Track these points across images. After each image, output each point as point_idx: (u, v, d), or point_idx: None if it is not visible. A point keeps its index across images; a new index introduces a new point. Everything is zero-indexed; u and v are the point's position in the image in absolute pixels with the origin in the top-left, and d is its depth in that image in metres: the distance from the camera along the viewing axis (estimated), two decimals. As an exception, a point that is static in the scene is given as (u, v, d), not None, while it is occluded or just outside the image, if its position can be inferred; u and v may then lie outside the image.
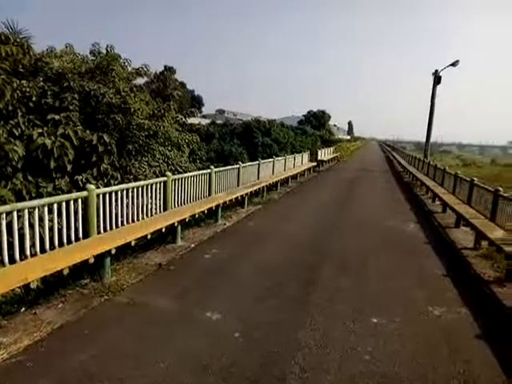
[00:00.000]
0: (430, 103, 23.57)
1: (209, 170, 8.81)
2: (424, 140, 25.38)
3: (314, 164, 22.42)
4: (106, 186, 6.82)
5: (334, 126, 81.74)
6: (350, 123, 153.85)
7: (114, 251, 5.04)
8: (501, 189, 7.68)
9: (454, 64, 21.80)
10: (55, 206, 4.58)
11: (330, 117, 56.81)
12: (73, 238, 4.83)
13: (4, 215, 3.92)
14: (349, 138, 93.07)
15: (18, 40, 7.42)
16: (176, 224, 6.72)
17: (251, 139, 21.20)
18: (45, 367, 3.23)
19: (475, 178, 9.73)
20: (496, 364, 3.57)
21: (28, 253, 4.20)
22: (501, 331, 4.28)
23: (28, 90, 6.91)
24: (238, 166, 10.68)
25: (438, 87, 23.09)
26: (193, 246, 6.93)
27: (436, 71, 22.90)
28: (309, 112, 55.53)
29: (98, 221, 5.27)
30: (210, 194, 8.79)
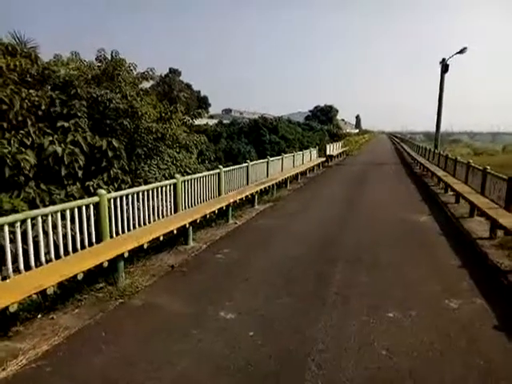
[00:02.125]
0: (438, 92, 23.26)
1: (218, 170, 8.83)
2: (434, 130, 25.06)
3: (323, 159, 22.32)
4: (116, 190, 6.89)
5: (342, 120, 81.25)
6: (357, 117, 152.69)
7: (126, 254, 5.09)
8: (514, 176, 7.54)
9: (461, 51, 21.47)
10: (68, 212, 4.64)
11: (337, 111, 56.54)
12: (86, 243, 4.89)
13: (18, 224, 3.99)
14: (357, 131, 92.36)
15: (25, 50, 7.53)
16: (187, 225, 6.75)
17: (259, 137, 21.20)
18: (64, 372, 3.28)
19: (488, 167, 9.57)
20: (516, 355, 3.51)
21: (43, 259, 4.26)
22: (520, 321, 4.20)
23: (37, 98, 7.00)
24: (246, 164, 10.68)
25: (447, 76, 22.80)
26: (204, 246, 6.96)
27: (443, 59, 22.57)
28: (316, 107, 55.33)
29: (111, 225, 5.32)
30: (219, 194, 8.81)
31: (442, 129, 25.53)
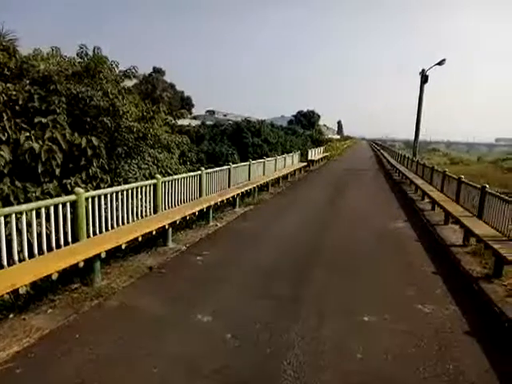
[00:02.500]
0: (417, 102, 23.85)
1: (199, 172, 8.79)
2: (413, 138, 25.66)
3: (305, 164, 22.52)
4: (95, 189, 6.76)
5: (324, 125, 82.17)
6: (339, 123, 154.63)
7: (104, 255, 5.01)
8: (487, 186, 7.80)
9: (440, 63, 22.09)
10: (43, 210, 4.53)
11: (319, 117, 57.17)
12: (62, 242, 4.78)
13: (-9, 221, 3.87)
14: (338, 137, 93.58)
15: (3, 43, 7.33)
16: (167, 226, 6.69)
17: (242, 140, 21.21)
18: (34, 374, 3.20)
19: (463, 176, 9.87)
20: (485, 360, 3.62)
21: (16, 258, 4.14)
22: (489, 327, 4.34)
23: (14, 93, 6.82)
24: (228, 166, 10.67)
25: (426, 86, 23.41)
26: (184, 248, 6.91)
27: (423, 70, 23.18)
28: (299, 112, 55.81)
29: (88, 224, 5.22)
30: (200, 196, 8.77)
31: (421, 138, 26.17)
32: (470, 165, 36.80)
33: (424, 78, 23.13)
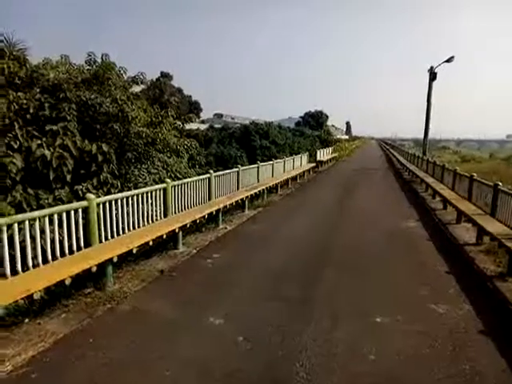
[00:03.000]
0: (426, 100, 23.64)
1: (208, 175, 8.83)
2: (422, 137, 25.43)
3: (313, 165, 22.45)
4: (106, 194, 6.83)
5: (332, 126, 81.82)
6: (347, 123, 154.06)
7: (115, 259, 5.05)
8: (500, 183, 7.68)
9: (448, 60, 21.88)
10: (56, 216, 4.59)
11: (327, 117, 56.89)
12: (74, 247, 4.84)
13: (5, 228, 3.94)
14: (347, 137, 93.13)
15: (13, 53, 7.45)
16: (177, 230, 6.73)
17: (250, 142, 21.23)
18: (50, 378, 3.24)
19: (475, 174, 9.74)
20: (501, 359, 3.57)
21: (30, 264, 4.21)
22: (505, 326, 4.27)
23: (25, 101, 6.92)
24: (237, 169, 10.70)
25: (435, 83, 23.19)
26: (194, 251, 6.94)
27: (432, 68, 22.97)
28: (306, 113, 55.63)
29: (100, 229, 5.28)
30: (210, 199, 8.80)
31: (430, 136, 25.93)
32: (482, 162, 36.29)
33: (432, 76, 22.92)
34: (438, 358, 3.57)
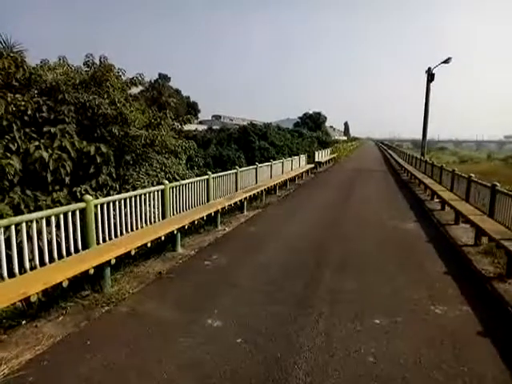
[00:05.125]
0: (424, 101, 23.69)
1: (206, 176, 8.82)
2: (421, 138, 25.48)
3: (312, 166, 22.46)
4: (105, 196, 6.81)
5: (331, 127, 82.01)
6: (346, 124, 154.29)
7: (113, 261, 5.03)
8: (498, 184, 7.70)
9: (446, 61, 21.93)
10: (53, 218, 4.57)
11: (325, 118, 57.04)
12: (72, 249, 4.82)
13: (2, 230, 3.92)
14: (345, 138, 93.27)
15: (11, 55, 7.43)
16: (175, 231, 6.72)
17: (248, 143, 21.27)
18: (47, 381, 3.22)
19: (472, 174, 9.76)
20: (500, 361, 3.56)
21: (27, 266, 4.19)
22: (503, 327, 4.27)
23: (23, 103, 6.90)
24: (235, 170, 10.69)
25: (433, 85, 23.25)
26: (193, 253, 6.92)
27: (429, 69, 23.02)
28: (304, 114, 55.73)
29: (97, 231, 5.27)
30: (208, 200, 8.80)
31: (429, 137, 25.96)
32: (480, 163, 36.40)
33: (430, 77, 22.97)
34: (436, 360, 3.56)
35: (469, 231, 8.33)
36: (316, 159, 24.13)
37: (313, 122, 53.58)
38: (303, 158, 21.61)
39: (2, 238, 3.91)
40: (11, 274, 4.00)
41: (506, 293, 5.13)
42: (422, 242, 7.82)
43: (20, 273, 4.09)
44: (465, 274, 5.96)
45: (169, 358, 3.56)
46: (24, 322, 4.26)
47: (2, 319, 4.21)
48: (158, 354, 3.64)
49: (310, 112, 55.63)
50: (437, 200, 12.43)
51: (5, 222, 4.02)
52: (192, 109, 50.13)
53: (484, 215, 7.90)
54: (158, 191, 6.81)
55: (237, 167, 11.06)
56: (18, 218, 4.23)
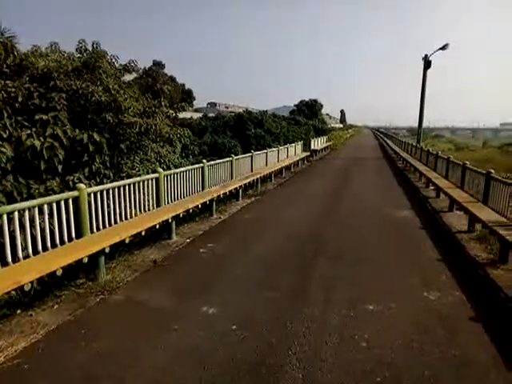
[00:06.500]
0: (421, 88, 23.57)
1: (201, 165, 8.77)
2: (417, 125, 25.43)
3: (308, 154, 22.40)
4: (98, 185, 6.76)
5: (327, 115, 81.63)
6: (342, 112, 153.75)
7: (108, 250, 5.02)
8: (492, 171, 7.71)
9: (443, 48, 21.77)
10: (46, 206, 4.53)
11: (322, 106, 56.64)
12: (66, 238, 4.80)
13: (-6, 219, 3.89)
14: (342, 126, 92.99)
15: (1, 40, 7.27)
16: (170, 220, 6.70)
17: (244, 131, 21.11)
18: (43, 369, 3.23)
19: (467, 162, 9.78)
20: (492, 345, 3.61)
21: (20, 255, 4.17)
22: (495, 313, 4.32)
23: (13, 90, 6.77)
24: (230, 158, 10.64)
25: (430, 71, 23.09)
26: (188, 241, 6.92)
27: (426, 56, 22.86)
28: (301, 102, 55.32)
29: (91, 220, 5.24)
30: (203, 188, 8.77)
31: (425, 124, 25.95)
32: (476, 150, 36.49)
33: (427, 64, 22.82)
34: (429, 345, 3.60)
35: (463, 218, 8.38)
36: (312, 147, 24.06)
37: (309, 109, 53.21)
38: (299, 146, 21.54)
39: (-5, 226, 3.87)
40: (4, 263, 3.98)
41: (499, 278, 5.19)
42: (416, 228, 7.87)
43: (13, 262, 4.07)
44: (458, 261, 6.02)
45: (164, 345, 3.58)
46: (19, 311, 4.26)
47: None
48: (154, 341, 3.65)
49: (307, 99, 55.23)
50: (432, 187, 12.47)
51: (-4, 210, 3.98)
52: (187, 96, 49.64)
53: (478, 202, 7.94)
54: (152, 179, 6.77)
55: (232, 155, 11.01)
56: (11, 207, 4.18)
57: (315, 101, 54.95)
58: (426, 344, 3.62)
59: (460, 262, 5.99)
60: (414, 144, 22.00)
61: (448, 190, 9.63)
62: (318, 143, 26.43)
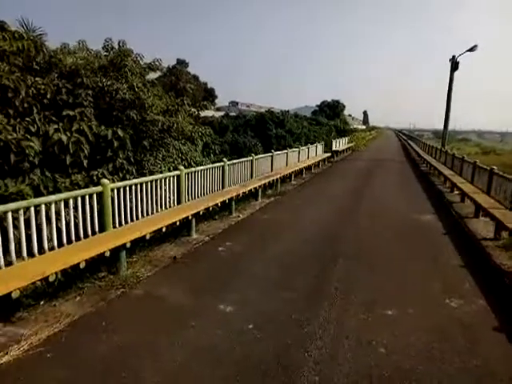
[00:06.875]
0: (447, 90, 23.00)
1: (222, 163, 8.82)
2: (442, 128, 24.82)
3: (329, 155, 22.22)
4: (121, 180, 6.89)
5: (349, 115, 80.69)
6: (365, 112, 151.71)
7: (129, 245, 5.11)
8: (521, 177, 7.46)
9: (471, 49, 21.17)
10: (71, 201, 4.66)
11: (344, 106, 56.01)
12: (89, 232, 4.92)
13: (22, 211, 4.01)
14: (364, 127, 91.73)
15: (31, 38, 7.51)
16: (190, 217, 6.77)
17: (265, 131, 21.09)
18: (65, 358, 3.32)
19: (494, 167, 9.48)
20: (515, 357, 3.50)
21: (46, 247, 4.30)
22: (521, 323, 4.18)
23: (43, 86, 6.99)
24: (251, 158, 10.66)
25: (456, 73, 22.50)
26: (207, 238, 6.98)
27: (453, 57, 22.28)
28: (323, 102, 54.85)
29: (114, 215, 5.35)
30: (223, 187, 8.81)
31: (451, 127, 25.28)
32: (503, 154, 35.30)
33: (454, 65, 22.24)
34: (449, 353, 3.52)
35: (489, 225, 8.13)
36: (333, 148, 23.84)
37: (331, 110, 52.71)
38: (320, 146, 21.37)
39: (22, 219, 4.00)
40: (31, 254, 4.11)
41: (525, 288, 5.01)
42: (439, 234, 7.68)
43: (39, 253, 4.20)
44: (482, 268, 5.84)
45: (182, 342, 3.62)
46: (43, 301, 4.39)
47: (22, 297, 4.34)
48: (172, 337, 3.70)
49: (329, 100, 54.73)
50: (456, 192, 12.15)
51: (24, 203, 4.11)
52: (209, 95, 49.97)
53: (506, 209, 7.68)
54: (173, 177, 6.85)
55: (252, 155, 11.02)
56: (38, 200, 4.31)
57: (337, 101, 54.39)
58: (446, 352, 3.54)
59: (484, 269, 5.82)
60: (439, 147, 21.49)
61: (474, 195, 9.36)
62: (339, 144, 26.18)
